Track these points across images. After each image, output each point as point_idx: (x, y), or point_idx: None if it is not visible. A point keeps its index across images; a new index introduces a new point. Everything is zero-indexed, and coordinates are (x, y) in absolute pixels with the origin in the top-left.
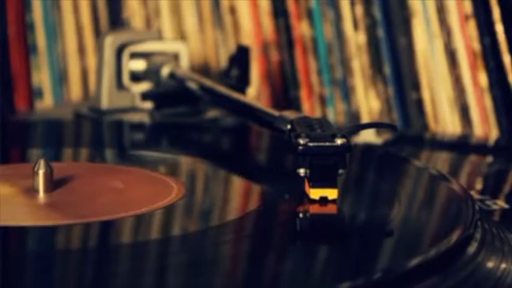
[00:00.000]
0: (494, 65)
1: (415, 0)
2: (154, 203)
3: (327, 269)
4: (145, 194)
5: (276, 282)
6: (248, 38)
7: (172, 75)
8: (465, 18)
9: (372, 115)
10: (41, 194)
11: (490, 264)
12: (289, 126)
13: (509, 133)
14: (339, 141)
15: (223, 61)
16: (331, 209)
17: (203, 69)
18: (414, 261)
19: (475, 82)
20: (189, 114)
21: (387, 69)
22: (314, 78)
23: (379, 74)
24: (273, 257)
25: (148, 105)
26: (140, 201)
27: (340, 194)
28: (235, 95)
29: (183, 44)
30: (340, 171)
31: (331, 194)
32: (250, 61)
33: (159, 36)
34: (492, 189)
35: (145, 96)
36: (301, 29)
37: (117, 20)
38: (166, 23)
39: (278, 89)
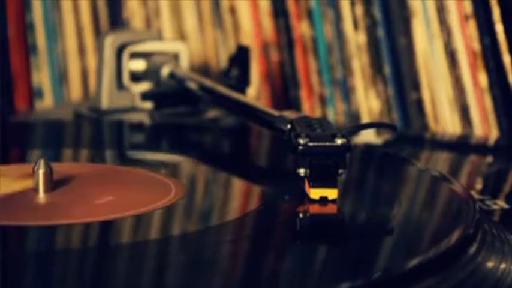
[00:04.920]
0: (494, 65)
1: (415, 0)
2: (153, 203)
3: (327, 269)
4: (144, 195)
5: (275, 282)
6: (248, 38)
7: (172, 75)
8: (465, 18)
9: (372, 115)
10: (41, 194)
11: (490, 265)
12: (289, 126)
13: (509, 133)
14: (339, 141)
15: (223, 61)
16: (331, 209)
17: (203, 69)
18: (414, 261)
19: (475, 82)
20: (189, 114)
21: (387, 69)
22: (314, 78)
23: (379, 74)
24: (272, 257)
25: (148, 105)
26: (140, 202)
27: (340, 194)
28: (235, 95)
29: (183, 44)
30: (340, 171)
31: (331, 194)
32: (250, 61)
33: (159, 36)
34: (492, 189)
35: (145, 96)
36: (301, 29)
37: (117, 20)
38: (166, 23)
39: (278, 89)
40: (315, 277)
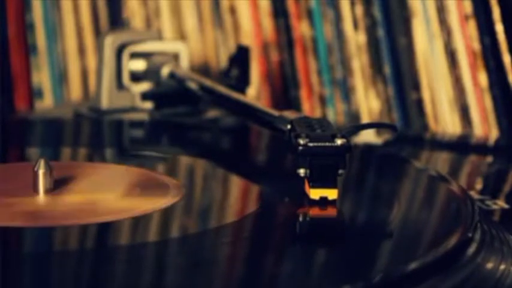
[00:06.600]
0: (494, 65)
1: (415, 0)
2: (153, 203)
3: (326, 271)
4: (144, 194)
5: (274, 284)
6: (248, 38)
7: (172, 75)
8: (465, 18)
9: (372, 115)
10: (41, 194)
11: (489, 265)
12: (289, 126)
13: (509, 133)
14: (339, 142)
15: (223, 61)
16: (331, 211)
17: (203, 69)
18: (414, 263)
19: (475, 82)
20: (189, 114)
21: (387, 69)
22: (314, 78)
23: (379, 74)
24: (271, 259)
25: (148, 105)
26: (139, 202)
27: (340, 195)
28: (235, 95)
29: (183, 44)
30: (340, 171)
31: (331, 194)
32: (250, 61)
33: (159, 36)
34: (492, 189)
35: (145, 96)
36: (301, 29)
37: (117, 20)
38: (166, 23)
39: (278, 89)
40: (315, 280)
